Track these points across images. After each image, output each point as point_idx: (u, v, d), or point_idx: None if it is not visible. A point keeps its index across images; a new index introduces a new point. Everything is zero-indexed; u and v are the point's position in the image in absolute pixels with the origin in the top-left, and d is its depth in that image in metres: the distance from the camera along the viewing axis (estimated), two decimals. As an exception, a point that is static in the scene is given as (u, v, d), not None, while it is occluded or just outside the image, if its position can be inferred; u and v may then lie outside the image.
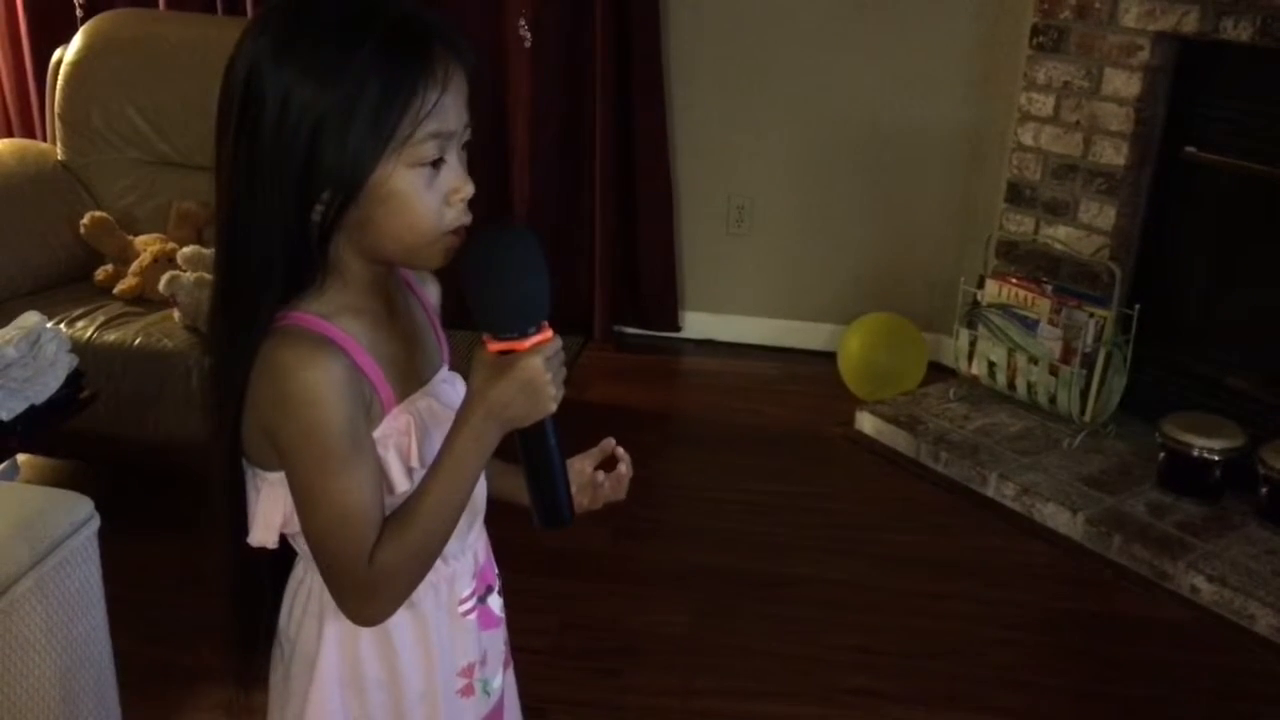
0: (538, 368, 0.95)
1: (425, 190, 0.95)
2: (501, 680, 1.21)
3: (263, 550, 1.04)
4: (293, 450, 0.95)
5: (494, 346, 0.96)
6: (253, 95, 0.92)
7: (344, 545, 0.96)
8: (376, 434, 0.99)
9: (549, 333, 0.97)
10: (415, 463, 1.01)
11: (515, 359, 0.95)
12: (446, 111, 0.94)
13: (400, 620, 1.04)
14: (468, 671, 1.15)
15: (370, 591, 0.98)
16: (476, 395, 0.96)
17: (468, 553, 1.13)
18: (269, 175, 0.93)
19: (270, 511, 1.02)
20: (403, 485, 1.00)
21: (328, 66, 0.91)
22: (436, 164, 0.96)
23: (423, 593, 1.05)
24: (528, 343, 0.95)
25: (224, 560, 1.08)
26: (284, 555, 1.07)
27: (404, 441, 1.01)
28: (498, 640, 1.20)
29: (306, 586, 1.08)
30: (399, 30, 0.93)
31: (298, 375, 0.93)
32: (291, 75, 0.91)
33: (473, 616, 1.14)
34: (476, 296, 0.95)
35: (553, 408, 0.97)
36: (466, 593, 1.13)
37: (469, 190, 0.98)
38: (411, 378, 1.05)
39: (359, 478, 0.96)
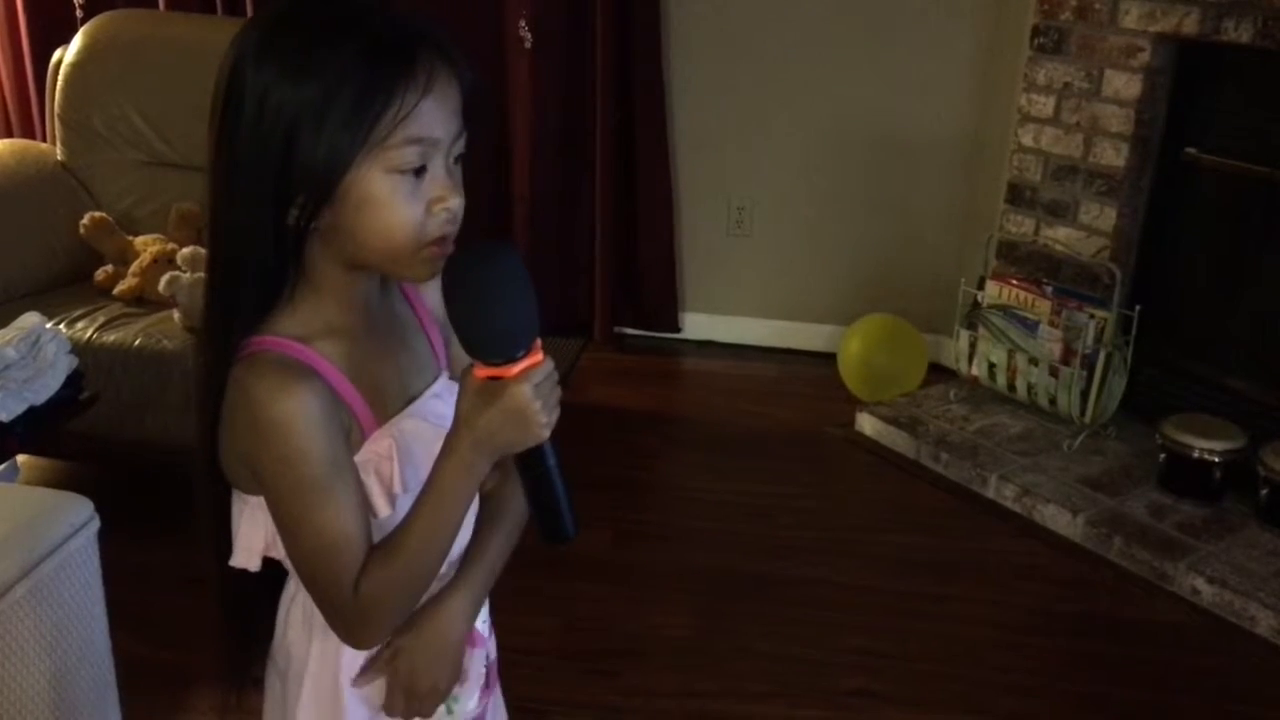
0: (525, 396, 0.90)
1: (405, 198, 0.92)
2: (475, 703, 1.16)
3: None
4: (271, 481, 0.94)
5: (481, 373, 0.92)
6: (234, 96, 0.91)
7: (328, 575, 0.95)
8: (356, 459, 0.97)
9: (539, 356, 0.92)
10: (398, 488, 0.99)
11: (502, 387, 0.91)
12: (427, 117, 0.91)
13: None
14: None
15: (357, 619, 0.97)
16: (463, 424, 0.92)
17: (453, 572, 1.10)
18: (246, 175, 0.92)
19: (251, 535, 1.00)
20: (384, 511, 0.99)
21: (306, 67, 0.90)
22: (419, 172, 0.93)
23: None
24: (516, 368, 0.91)
25: (213, 578, 1.07)
26: (280, 567, 1.06)
27: (385, 466, 0.99)
28: (478, 661, 1.15)
29: (299, 602, 1.07)
30: (382, 34, 0.91)
31: (272, 405, 0.91)
32: (270, 75, 0.90)
33: None
34: (458, 323, 0.91)
35: (544, 435, 0.93)
36: None
37: (454, 202, 0.95)
38: (396, 397, 1.03)
39: (340, 507, 0.94)
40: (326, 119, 0.89)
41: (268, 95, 0.90)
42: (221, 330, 0.96)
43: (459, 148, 0.96)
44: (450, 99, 0.93)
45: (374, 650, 1.06)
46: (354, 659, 1.06)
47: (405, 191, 0.92)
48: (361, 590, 0.95)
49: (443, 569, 1.03)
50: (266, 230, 0.92)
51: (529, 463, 0.95)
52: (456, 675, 1.10)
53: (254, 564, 1.02)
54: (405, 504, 0.98)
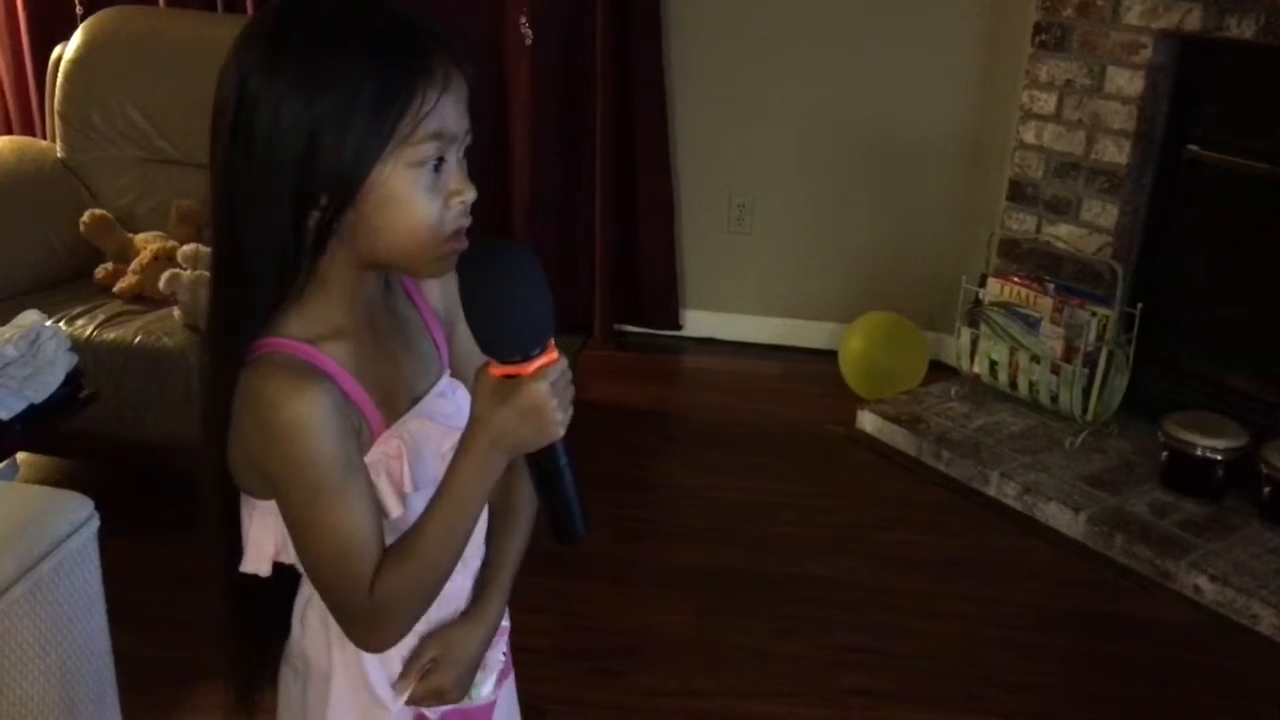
0: (542, 394, 0.91)
1: (426, 192, 0.93)
2: (489, 689, 1.18)
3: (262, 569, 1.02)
4: (282, 483, 0.93)
5: (497, 371, 0.92)
6: (245, 108, 0.90)
7: (342, 578, 0.95)
8: (366, 459, 0.97)
9: (554, 354, 0.92)
10: (408, 487, 0.99)
11: (518, 385, 0.91)
12: (447, 112, 0.92)
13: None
14: None
15: (372, 622, 0.97)
16: (479, 423, 0.92)
17: (469, 565, 1.11)
18: (263, 183, 0.91)
19: (261, 540, 1.00)
20: (396, 511, 0.99)
21: (319, 75, 0.89)
22: (437, 166, 0.93)
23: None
24: (531, 366, 0.91)
25: (221, 584, 1.06)
26: (293, 571, 1.05)
27: (395, 466, 0.99)
28: (497, 650, 1.17)
29: (315, 606, 1.06)
30: (394, 34, 0.91)
31: (283, 407, 0.90)
32: (283, 86, 0.89)
33: None
34: (475, 322, 0.91)
35: (560, 433, 0.93)
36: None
37: (470, 194, 0.96)
38: (401, 397, 1.02)
39: (353, 509, 0.93)
40: (349, 123, 0.89)
41: (282, 108, 0.89)
42: (228, 333, 0.95)
43: (467, 140, 0.97)
44: (463, 95, 0.94)
45: (410, 652, 1.07)
46: (379, 659, 1.06)
47: (425, 186, 0.93)
48: (377, 593, 0.94)
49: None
50: (285, 234, 0.92)
51: (542, 461, 0.95)
52: (475, 672, 1.12)
53: (265, 569, 1.01)
54: (416, 503, 0.98)
